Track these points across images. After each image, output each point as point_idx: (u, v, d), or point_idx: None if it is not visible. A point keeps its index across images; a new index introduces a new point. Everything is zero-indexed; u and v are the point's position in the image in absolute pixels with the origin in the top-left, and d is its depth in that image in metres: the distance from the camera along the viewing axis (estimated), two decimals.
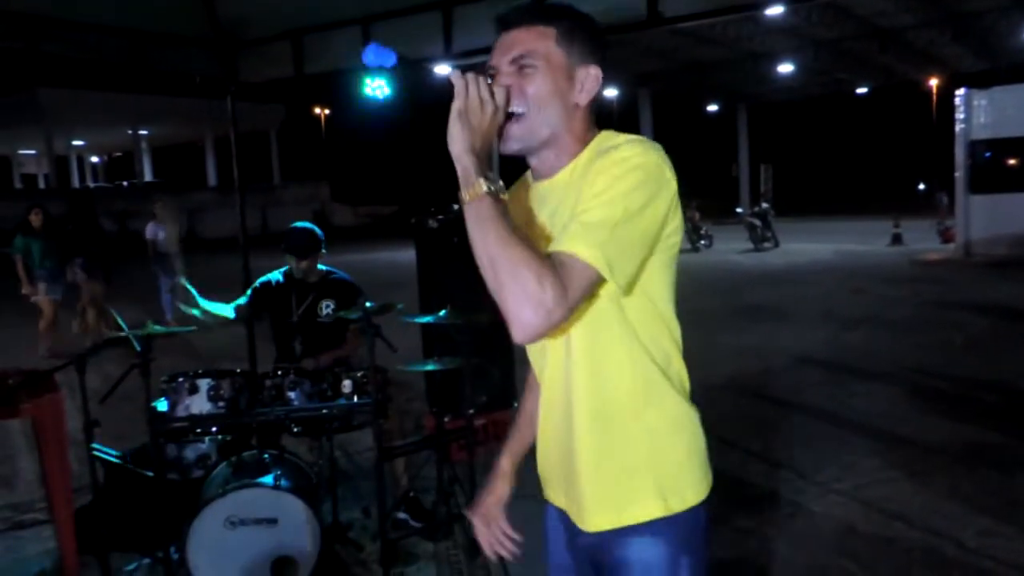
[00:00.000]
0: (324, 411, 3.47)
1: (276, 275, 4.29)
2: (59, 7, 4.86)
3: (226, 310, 4.07)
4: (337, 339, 4.19)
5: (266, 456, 3.65)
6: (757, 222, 19.48)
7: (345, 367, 3.65)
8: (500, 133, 1.44)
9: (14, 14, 4.77)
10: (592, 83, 1.49)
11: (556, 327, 1.32)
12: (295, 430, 3.72)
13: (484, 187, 1.31)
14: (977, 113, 14.90)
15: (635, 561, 1.48)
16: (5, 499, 4.76)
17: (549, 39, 1.46)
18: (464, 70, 1.38)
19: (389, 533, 3.49)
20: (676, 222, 1.44)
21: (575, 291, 1.30)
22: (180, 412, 3.33)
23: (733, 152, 33.33)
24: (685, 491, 1.49)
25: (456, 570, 3.60)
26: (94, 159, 51.36)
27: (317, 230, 4.28)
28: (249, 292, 4.28)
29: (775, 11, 11.26)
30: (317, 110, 53.89)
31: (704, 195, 23.04)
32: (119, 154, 51.95)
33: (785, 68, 22.03)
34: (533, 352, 1.62)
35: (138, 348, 3.24)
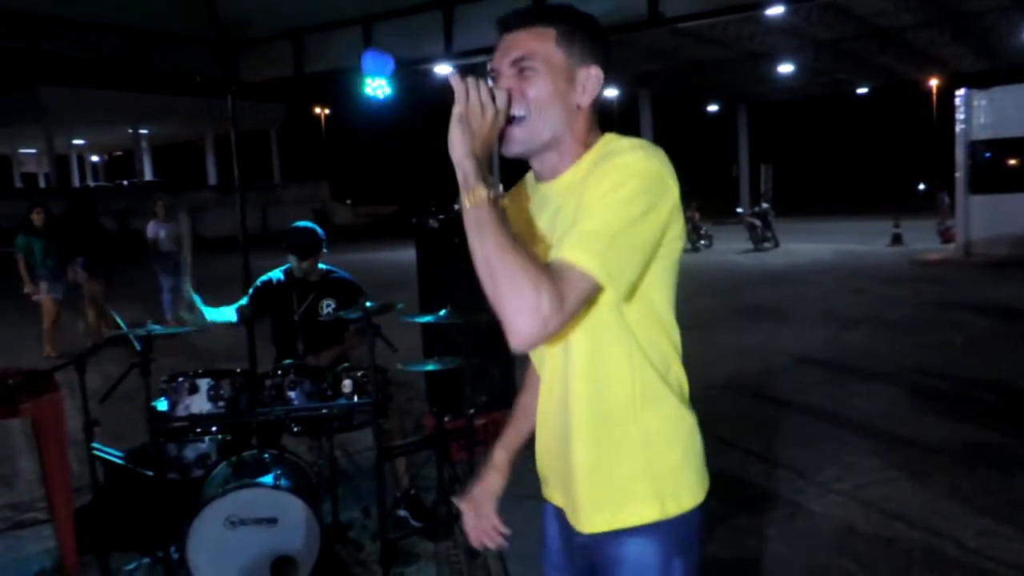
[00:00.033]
0: (324, 411, 3.47)
1: (277, 273, 4.29)
2: (59, 6, 4.85)
3: (228, 314, 4.07)
4: (338, 338, 4.20)
5: (266, 456, 3.65)
6: (757, 222, 19.48)
7: (345, 367, 3.65)
8: (501, 136, 1.43)
9: (14, 13, 4.76)
10: (593, 84, 1.48)
11: (553, 336, 1.32)
12: (295, 430, 3.72)
13: (484, 193, 1.31)
14: (977, 113, 14.90)
15: (629, 561, 1.48)
16: (5, 499, 4.76)
17: (549, 40, 1.45)
18: (463, 73, 1.38)
19: (389, 533, 3.49)
20: (677, 228, 1.44)
21: (572, 300, 1.30)
22: (180, 412, 3.33)
23: (733, 152, 33.33)
24: (681, 495, 1.50)
25: (456, 570, 3.60)
26: (94, 158, 51.35)
27: (319, 230, 4.29)
28: (251, 291, 4.29)
29: (775, 11, 11.27)
30: (317, 110, 53.97)
31: (704, 195, 23.05)
32: (119, 153, 51.95)
33: (785, 68, 22.02)
34: (533, 351, 1.62)
35: (138, 348, 3.24)
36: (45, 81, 33.76)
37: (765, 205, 20.65)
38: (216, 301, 4.03)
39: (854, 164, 56.70)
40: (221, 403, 3.33)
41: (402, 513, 3.99)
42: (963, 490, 4.24)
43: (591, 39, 1.49)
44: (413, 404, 5.49)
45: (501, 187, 1.37)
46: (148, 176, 42.71)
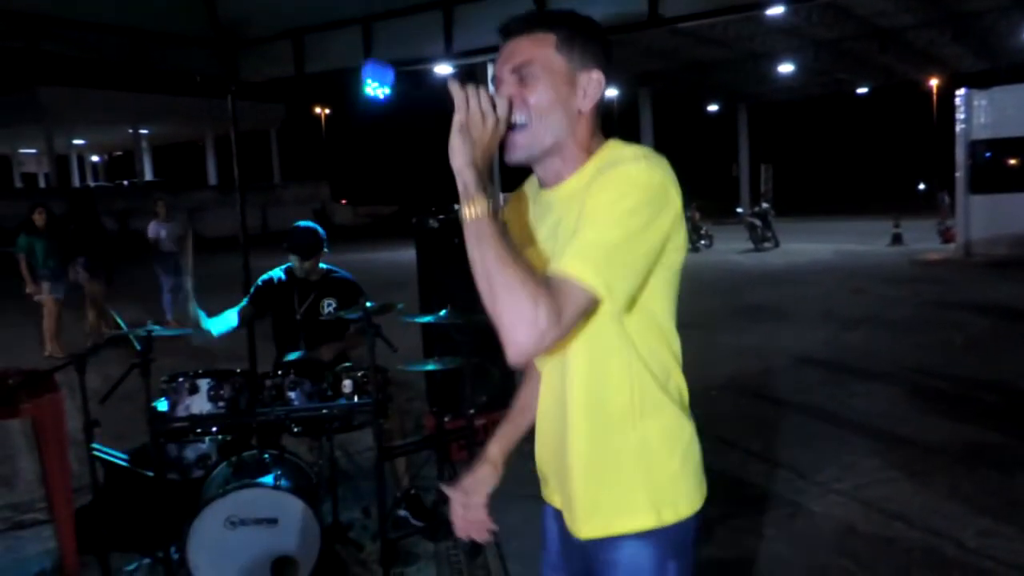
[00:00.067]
0: (324, 411, 3.47)
1: (278, 272, 4.30)
2: (59, 6, 4.85)
3: (231, 320, 4.06)
4: (338, 338, 4.20)
5: (266, 456, 3.65)
6: (757, 222, 19.49)
7: (346, 367, 3.65)
8: (504, 144, 1.43)
9: (14, 13, 4.76)
10: (595, 88, 1.48)
11: (550, 348, 1.33)
12: (295, 430, 3.72)
13: (484, 205, 1.31)
14: (977, 113, 14.91)
15: (623, 564, 1.49)
16: (5, 499, 4.76)
17: (549, 46, 1.45)
18: (464, 81, 1.37)
19: (389, 533, 3.48)
20: (679, 239, 1.44)
21: (569, 314, 1.30)
22: (180, 412, 3.33)
23: (733, 152, 33.32)
24: (678, 503, 1.50)
25: (456, 570, 3.60)
26: (94, 158, 51.36)
27: (320, 229, 4.29)
28: (252, 291, 4.30)
29: (775, 11, 11.25)
30: (317, 110, 53.98)
31: (704, 195, 23.02)
32: (119, 153, 51.96)
33: (785, 68, 22.02)
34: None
35: (138, 348, 3.24)
36: (45, 81, 33.77)
37: (765, 205, 20.66)
38: (216, 301, 4.03)
39: (854, 164, 56.73)
40: (221, 403, 3.33)
41: (402, 513, 3.99)
42: (963, 490, 4.24)
43: (592, 43, 1.48)
44: (413, 404, 5.49)
45: (501, 197, 1.37)
46: (148, 176, 42.73)
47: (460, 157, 1.34)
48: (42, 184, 43.87)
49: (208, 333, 3.78)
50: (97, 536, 3.44)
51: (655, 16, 4.85)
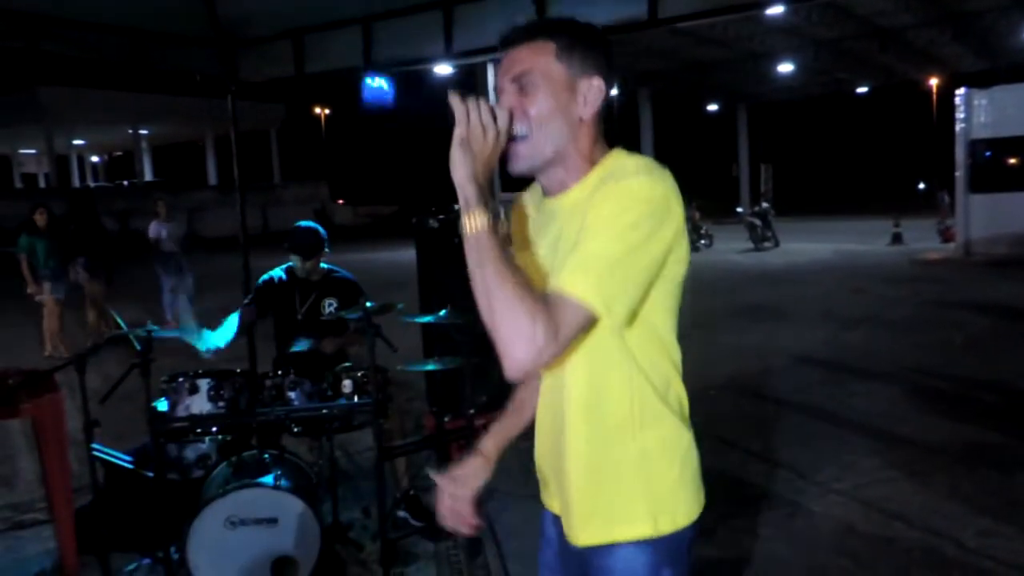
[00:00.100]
0: (324, 411, 3.47)
1: (279, 272, 4.30)
2: (59, 6, 4.85)
3: (232, 326, 4.04)
4: (339, 337, 4.20)
5: (266, 456, 3.65)
6: (757, 222, 19.49)
7: (345, 367, 3.65)
8: (505, 155, 1.43)
9: (14, 13, 4.76)
10: (595, 94, 1.47)
11: (547, 364, 1.33)
12: (295, 430, 3.72)
13: (484, 219, 1.32)
14: (977, 113, 14.91)
15: (619, 570, 1.49)
16: (5, 499, 4.76)
17: (548, 54, 1.45)
18: (463, 94, 1.37)
19: (389, 533, 3.49)
20: (680, 252, 1.43)
21: (567, 330, 1.30)
22: (180, 412, 3.33)
23: (733, 152, 33.32)
24: (676, 512, 1.50)
25: (456, 570, 3.60)
26: (94, 158, 51.35)
27: (321, 229, 4.29)
28: (253, 292, 4.30)
29: (775, 11, 11.23)
30: (317, 110, 53.96)
31: (704, 195, 23.02)
32: (119, 153, 51.94)
33: (785, 68, 22.03)
34: None
35: (138, 348, 3.24)
36: (45, 81, 33.75)
37: (765, 205, 20.67)
38: (216, 301, 4.02)
39: (854, 164, 56.72)
40: (221, 403, 3.33)
41: (402, 513, 3.99)
42: (963, 490, 4.24)
43: (592, 50, 1.47)
44: (413, 404, 5.49)
45: (502, 210, 1.38)
46: (148, 176, 42.73)
47: (461, 171, 1.34)
48: (42, 184, 43.86)
49: (217, 349, 3.78)
50: (97, 536, 3.44)
51: (655, 16, 4.86)
